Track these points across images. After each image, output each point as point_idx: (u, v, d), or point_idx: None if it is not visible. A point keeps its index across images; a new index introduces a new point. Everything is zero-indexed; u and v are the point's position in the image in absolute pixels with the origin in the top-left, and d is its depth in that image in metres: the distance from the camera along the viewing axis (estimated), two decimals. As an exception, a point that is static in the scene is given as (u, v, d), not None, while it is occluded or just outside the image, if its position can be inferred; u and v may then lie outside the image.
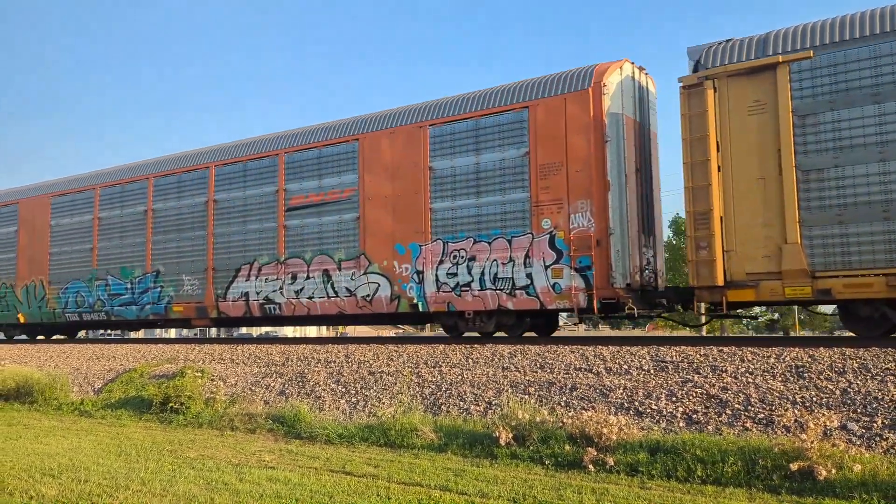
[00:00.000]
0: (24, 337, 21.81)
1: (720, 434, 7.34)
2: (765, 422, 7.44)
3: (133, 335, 42.08)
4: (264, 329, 48.46)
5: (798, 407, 7.52)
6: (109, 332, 40.03)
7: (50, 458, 8.07)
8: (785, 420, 7.28)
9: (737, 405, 7.83)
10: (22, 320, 20.03)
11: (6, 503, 6.15)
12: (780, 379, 8.20)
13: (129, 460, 7.96)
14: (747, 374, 8.46)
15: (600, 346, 10.49)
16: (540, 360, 10.15)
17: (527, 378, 9.65)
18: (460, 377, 10.12)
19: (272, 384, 11.44)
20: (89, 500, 6.21)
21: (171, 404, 10.90)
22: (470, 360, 10.71)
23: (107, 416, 11.38)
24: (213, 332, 38.52)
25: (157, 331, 40.34)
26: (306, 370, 11.66)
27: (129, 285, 17.57)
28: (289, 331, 48.78)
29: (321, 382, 11.00)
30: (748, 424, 7.46)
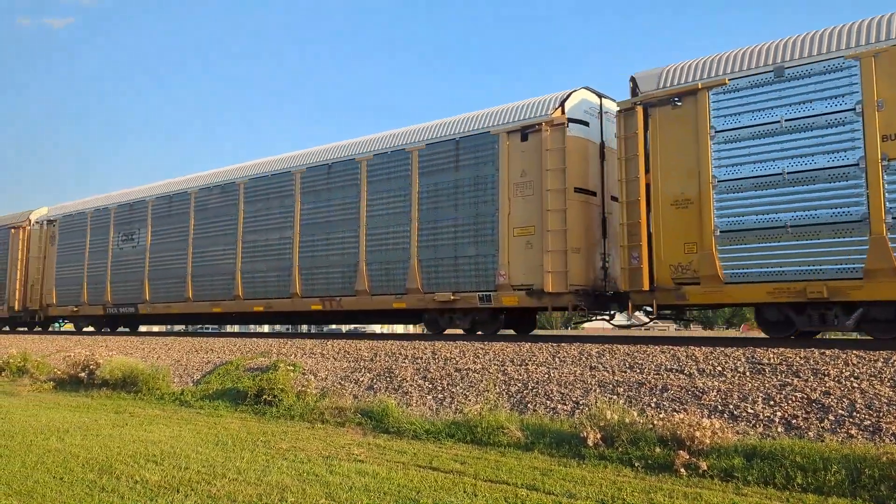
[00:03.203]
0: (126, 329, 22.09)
1: (822, 441, 7.00)
2: (871, 429, 7.04)
3: (229, 328, 42.85)
4: (353, 324, 49.23)
5: (909, 414, 7.07)
6: None
7: (153, 445, 8.49)
8: (894, 428, 6.87)
9: (840, 411, 7.44)
10: None
11: (113, 487, 6.50)
12: (888, 384, 7.74)
13: (225, 450, 8.28)
14: (852, 379, 8.02)
15: (692, 347, 10.19)
16: (629, 360, 9.94)
17: (615, 378, 9.47)
18: (547, 376, 10.03)
19: (361, 379, 11.66)
20: (189, 486, 6.49)
21: (264, 396, 11.27)
22: (557, 359, 10.60)
23: (205, 407, 11.86)
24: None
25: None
26: (394, 366, 11.82)
27: None
28: (376, 327, 49.65)
29: (408, 378, 11.13)
30: (853, 431, 7.08)
